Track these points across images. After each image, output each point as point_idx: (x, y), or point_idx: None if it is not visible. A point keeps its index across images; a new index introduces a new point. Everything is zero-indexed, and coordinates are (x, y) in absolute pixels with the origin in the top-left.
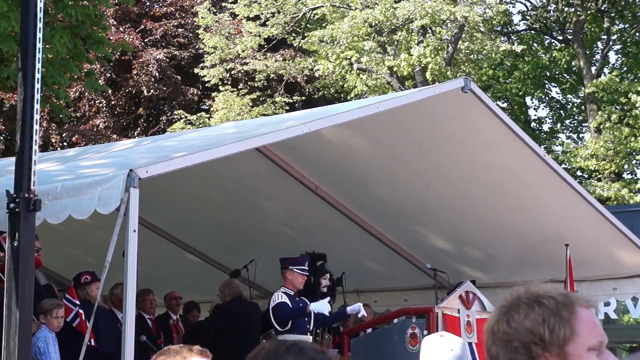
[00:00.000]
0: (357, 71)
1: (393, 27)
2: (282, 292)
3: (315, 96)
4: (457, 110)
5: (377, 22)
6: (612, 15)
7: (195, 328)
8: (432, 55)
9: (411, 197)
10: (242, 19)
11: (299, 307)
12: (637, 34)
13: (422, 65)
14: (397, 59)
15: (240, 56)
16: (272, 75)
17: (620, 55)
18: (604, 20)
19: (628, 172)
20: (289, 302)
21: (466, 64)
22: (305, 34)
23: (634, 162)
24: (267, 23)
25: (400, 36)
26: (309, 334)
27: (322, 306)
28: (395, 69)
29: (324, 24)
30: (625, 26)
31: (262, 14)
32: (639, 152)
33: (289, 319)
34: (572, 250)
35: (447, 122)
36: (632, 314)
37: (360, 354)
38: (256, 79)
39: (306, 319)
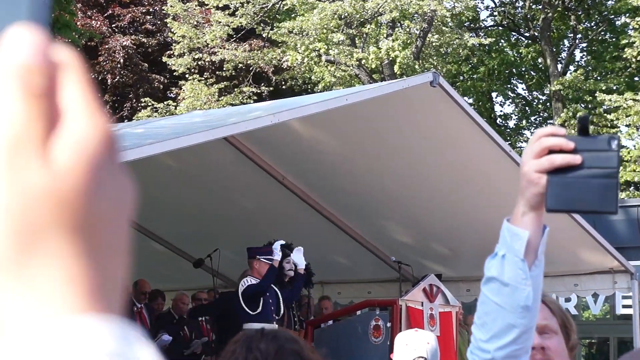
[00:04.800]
0: (325, 63)
1: (362, 20)
2: (249, 278)
3: (283, 87)
4: (425, 104)
5: (346, 14)
6: (579, 13)
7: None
8: (401, 49)
9: (377, 190)
10: (211, 8)
11: (265, 280)
12: (603, 33)
13: (391, 58)
14: (365, 51)
15: (209, 45)
16: (240, 65)
17: (585, 54)
18: (570, 18)
19: None
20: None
21: (434, 58)
22: (274, 25)
23: None
24: (236, 13)
25: (369, 29)
26: (274, 322)
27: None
28: (363, 61)
29: (293, 15)
30: (592, 25)
31: (232, 3)
32: None
33: (259, 294)
34: None
35: (414, 115)
36: (592, 310)
37: (323, 346)
38: (224, 69)
39: (272, 307)
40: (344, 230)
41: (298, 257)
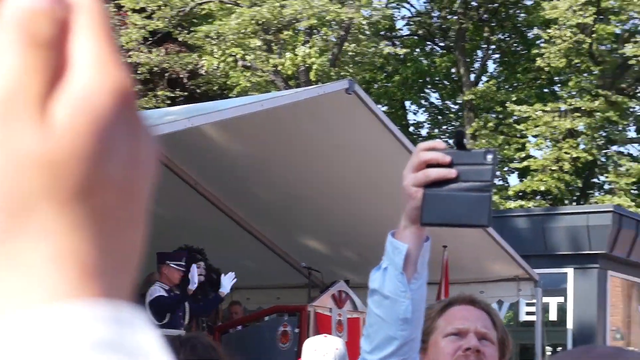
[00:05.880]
0: (242, 68)
1: (280, 26)
2: (158, 286)
3: (198, 91)
4: (340, 112)
5: (264, 20)
6: (493, 25)
7: None
8: (317, 56)
9: (289, 196)
10: (127, 11)
11: (182, 296)
12: (516, 45)
13: (307, 65)
14: (282, 57)
15: (124, 48)
16: (155, 69)
17: (498, 65)
18: (484, 29)
19: (500, 178)
20: (166, 295)
21: (350, 66)
22: (191, 29)
23: (505, 169)
24: (152, 16)
25: (286, 35)
26: (183, 329)
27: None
28: (280, 67)
29: (210, 20)
30: (505, 36)
31: (149, 6)
32: (512, 160)
33: (169, 309)
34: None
35: (329, 122)
36: None
37: (230, 351)
38: (138, 72)
39: (180, 313)
40: (255, 236)
41: (226, 282)
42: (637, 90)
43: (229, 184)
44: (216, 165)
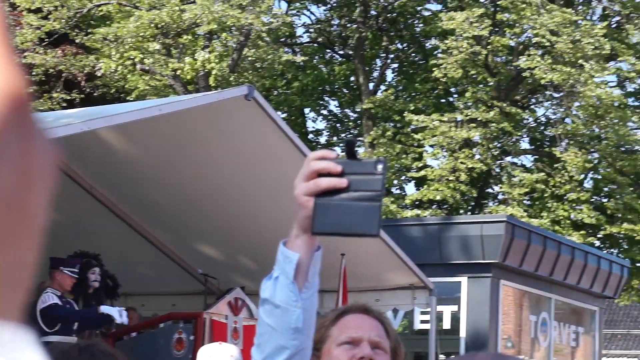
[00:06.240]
0: (140, 72)
1: (179, 30)
2: (51, 292)
3: (95, 94)
4: (239, 118)
5: (163, 23)
6: (392, 34)
7: None
8: (217, 61)
9: (186, 202)
10: (23, 11)
11: (77, 310)
12: (414, 55)
13: (206, 70)
14: (181, 62)
15: (19, 49)
16: (50, 71)
17: (397, 74)
18: (383, 39)
19: (397, 187)
20: (60, 304)
21: (249, 72)
22: (89, 31)
23: (403, 178)
24: (49, 16)
25: (185, 39)
26: (74, 334)
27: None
28: (179, 72)
29: (108, 22)
30: (404, 46)
31: (45, 6)
32: (409, 169)
33: (61, 321)
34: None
35: (228, 128)
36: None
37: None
38: (34, 73)
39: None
40: (151, 242)
41: (124, 318)
42: (531, 102)
43: (125, 189)
44: (112, 170)
